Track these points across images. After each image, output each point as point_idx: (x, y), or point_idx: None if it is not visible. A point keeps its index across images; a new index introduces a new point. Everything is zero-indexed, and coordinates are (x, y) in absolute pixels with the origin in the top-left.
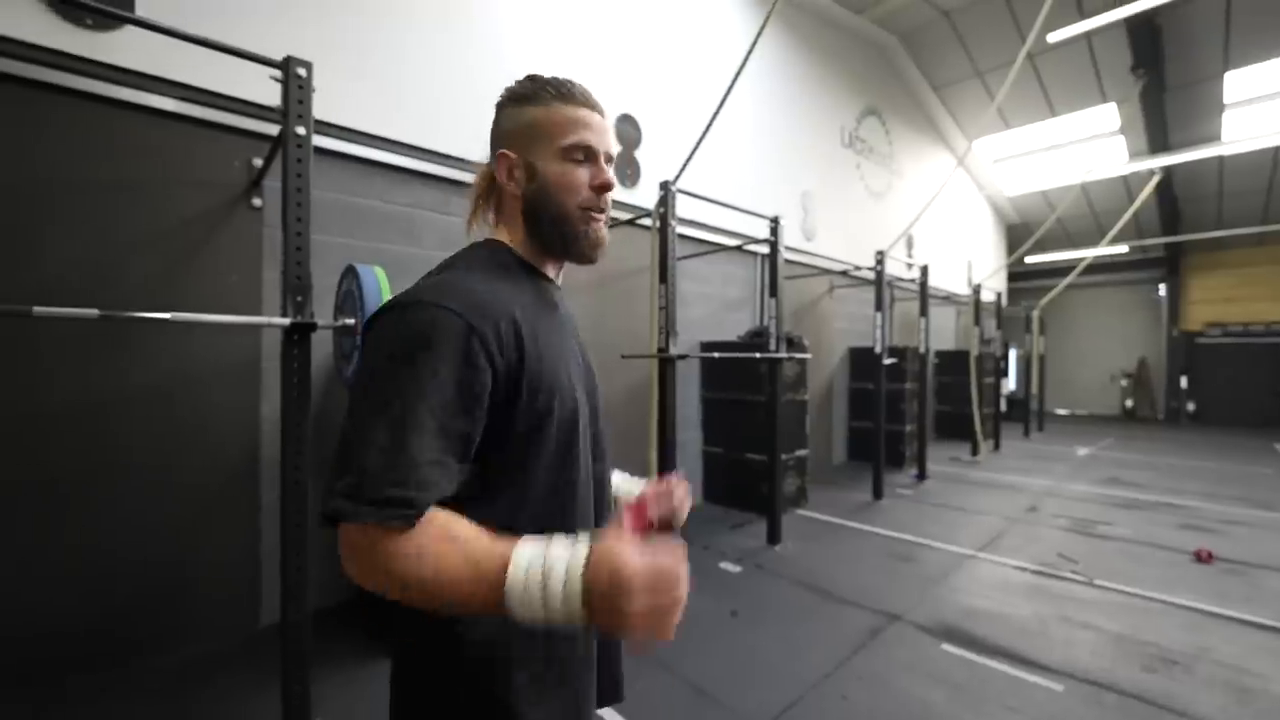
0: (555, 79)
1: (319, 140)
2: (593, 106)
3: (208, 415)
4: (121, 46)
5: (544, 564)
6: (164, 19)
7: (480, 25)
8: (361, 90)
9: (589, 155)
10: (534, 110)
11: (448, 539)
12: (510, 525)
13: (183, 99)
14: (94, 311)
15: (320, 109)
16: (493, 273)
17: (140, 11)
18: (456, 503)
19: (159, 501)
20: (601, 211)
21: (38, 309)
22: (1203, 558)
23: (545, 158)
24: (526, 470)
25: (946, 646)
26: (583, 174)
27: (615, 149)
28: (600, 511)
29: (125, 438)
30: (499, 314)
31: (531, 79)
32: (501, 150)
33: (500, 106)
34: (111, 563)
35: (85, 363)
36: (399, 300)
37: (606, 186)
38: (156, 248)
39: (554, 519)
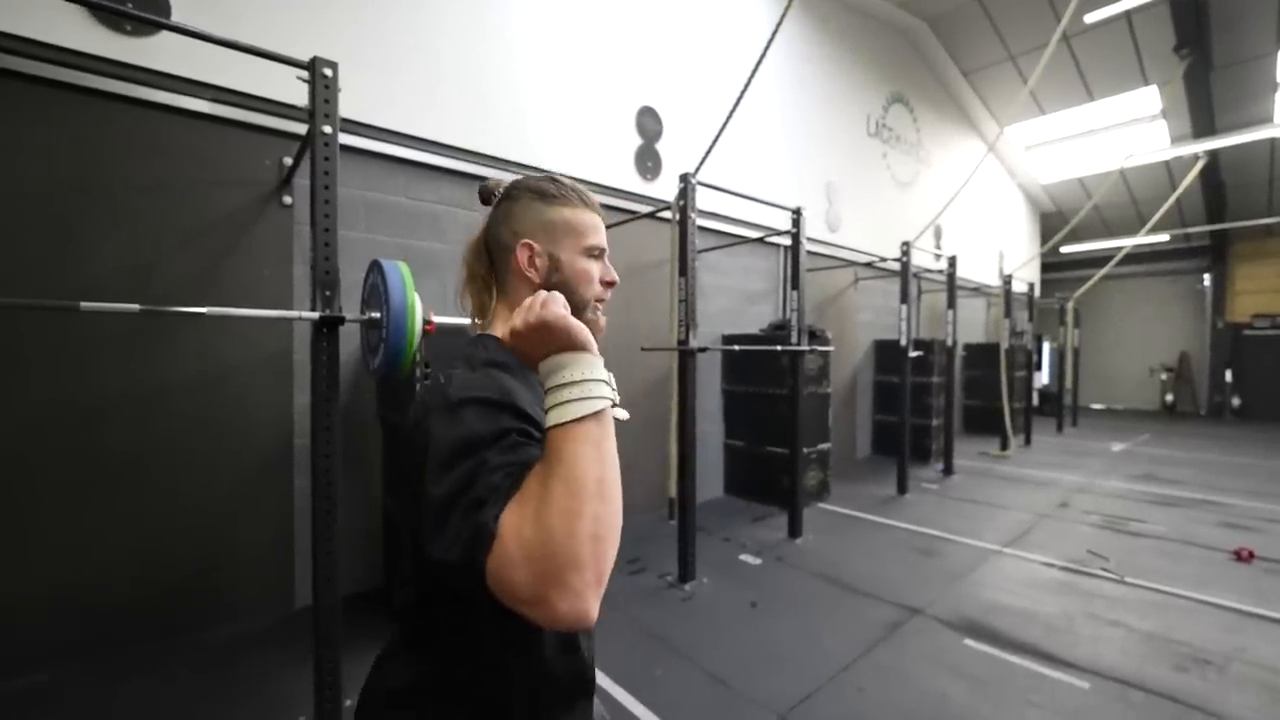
0: (575, 185)
1: (346, 138)
2: (600, 214)
3: (244, 405)
4: (158, 51)
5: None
6: (198, 23)
7: (503, 23)
8: (387, 88)
9: (600, 255)
10: (563, 209)
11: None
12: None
13: (216, 100)
14: (135, 306)
15: (347, 108)
16: (510, 373)
17: (176, 17)
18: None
19: (201, 488)
20: (602, 303)
21: (85, 304)
22: (1243, 557)
23: (570, 252)
24: None
25: (968, 641)
26: (597, 270)
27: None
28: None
29: (168, 427)
30: (538, 413)
31: (554, 181)
32: (525, 240)
33: (515, 197)
34: (157, 544)
35: (130, 356)
36: (451, 402)
37: (614, 283)
38: (193, 245)
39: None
